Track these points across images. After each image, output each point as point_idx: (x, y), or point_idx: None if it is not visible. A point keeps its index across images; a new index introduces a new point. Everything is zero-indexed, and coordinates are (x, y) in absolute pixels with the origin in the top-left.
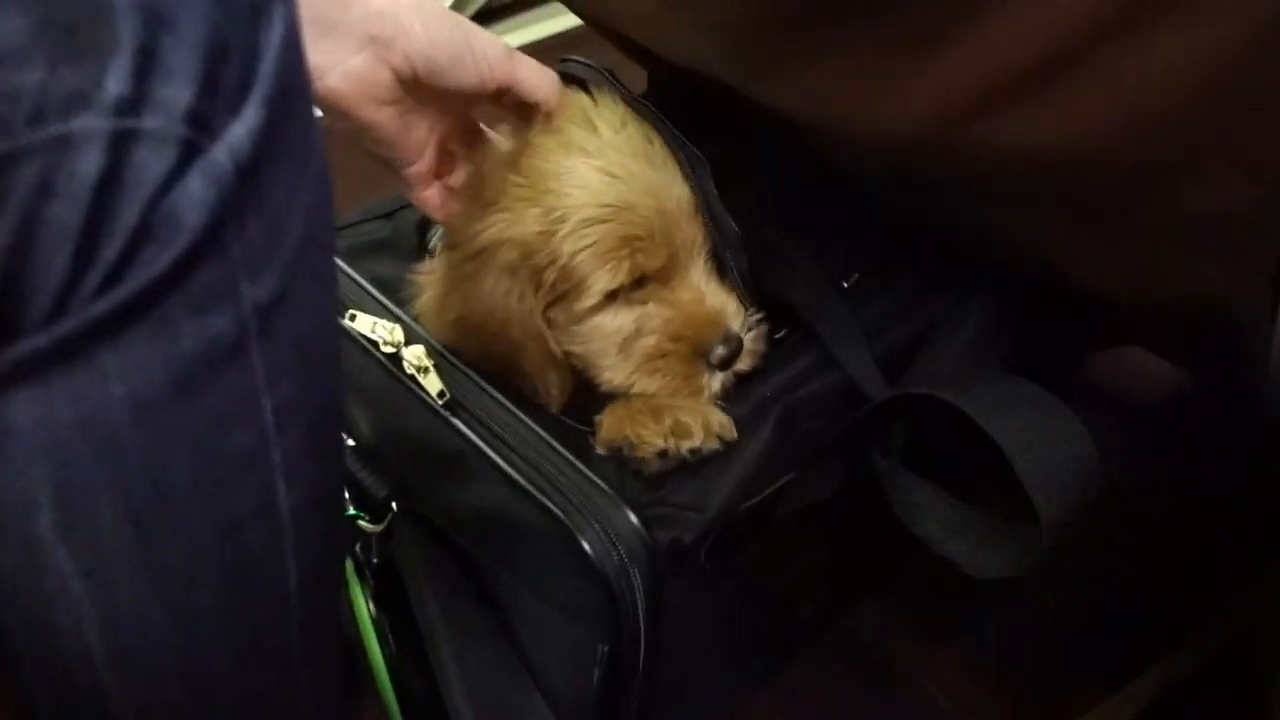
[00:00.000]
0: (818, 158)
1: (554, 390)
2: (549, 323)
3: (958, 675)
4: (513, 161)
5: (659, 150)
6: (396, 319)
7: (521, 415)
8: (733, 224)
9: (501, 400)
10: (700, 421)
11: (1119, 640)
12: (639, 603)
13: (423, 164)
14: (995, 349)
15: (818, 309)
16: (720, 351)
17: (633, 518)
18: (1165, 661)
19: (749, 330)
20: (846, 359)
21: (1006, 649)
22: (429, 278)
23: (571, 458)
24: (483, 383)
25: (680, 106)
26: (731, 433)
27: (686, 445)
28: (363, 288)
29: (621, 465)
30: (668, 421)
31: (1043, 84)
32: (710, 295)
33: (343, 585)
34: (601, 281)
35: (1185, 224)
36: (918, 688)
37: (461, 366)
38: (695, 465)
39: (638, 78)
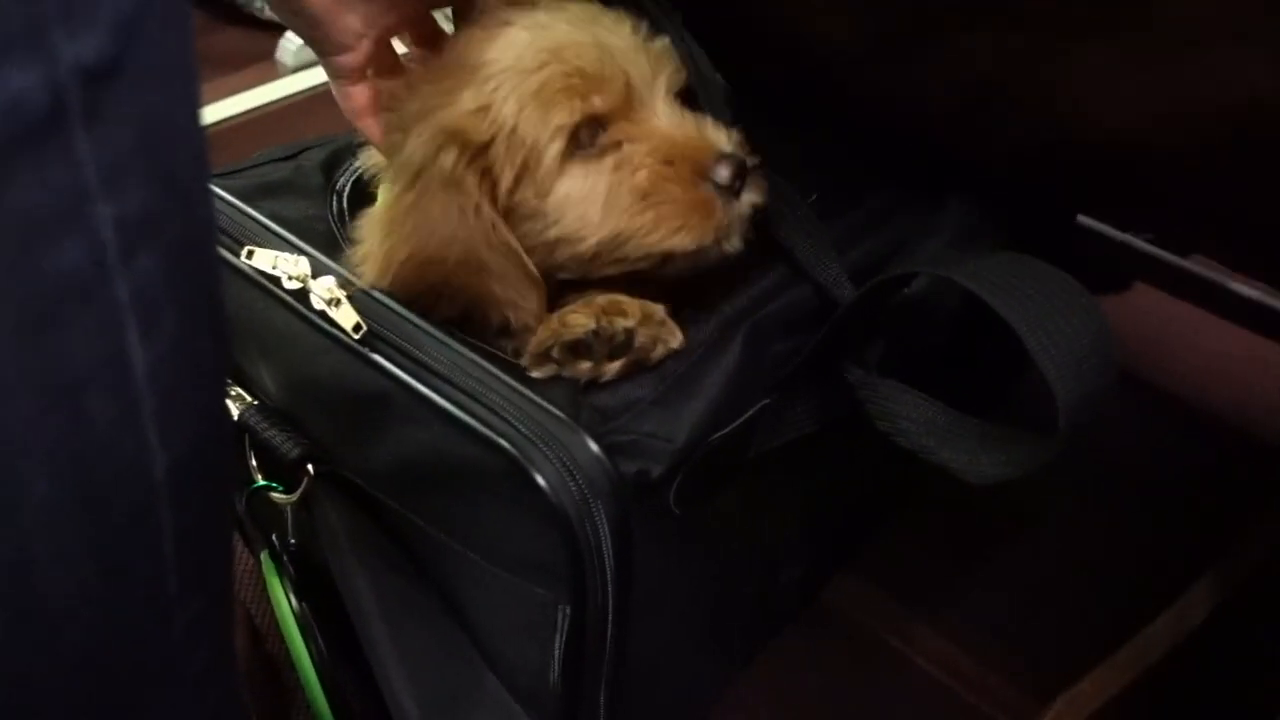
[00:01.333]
0: (791, 41)
1: (532, 310)
2: (513, 225)
3: (948, 647)
4: (437, 63)
5: (610, 13)
6: (301, 252)
7: (452, 342)
8: (718, 76)
9: (426, 328)
10: (637, 305)
11: (1110, 605)
12: (604, 549)
13: (355, 55)
14: (976, 252)
15: (784, 220)
16: (723, 171)
17: (592, 445)
18: (1157, 625)
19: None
20: (817, 270)
21: (996, 618)
22: (365, 224)
23: (515, 383)
24: (403, 310)
25: None
26: (674, 333)
27: (620, 323)
28: (261, 224)
29: (575, 394)
30: (600, 302)
31: None
32: (690, 121)
33: (234, 504)
34: (553, 128)
35: (1239, 8)
36: (908, 662)
37: (379, 296)
38: (658, 392)
39: None
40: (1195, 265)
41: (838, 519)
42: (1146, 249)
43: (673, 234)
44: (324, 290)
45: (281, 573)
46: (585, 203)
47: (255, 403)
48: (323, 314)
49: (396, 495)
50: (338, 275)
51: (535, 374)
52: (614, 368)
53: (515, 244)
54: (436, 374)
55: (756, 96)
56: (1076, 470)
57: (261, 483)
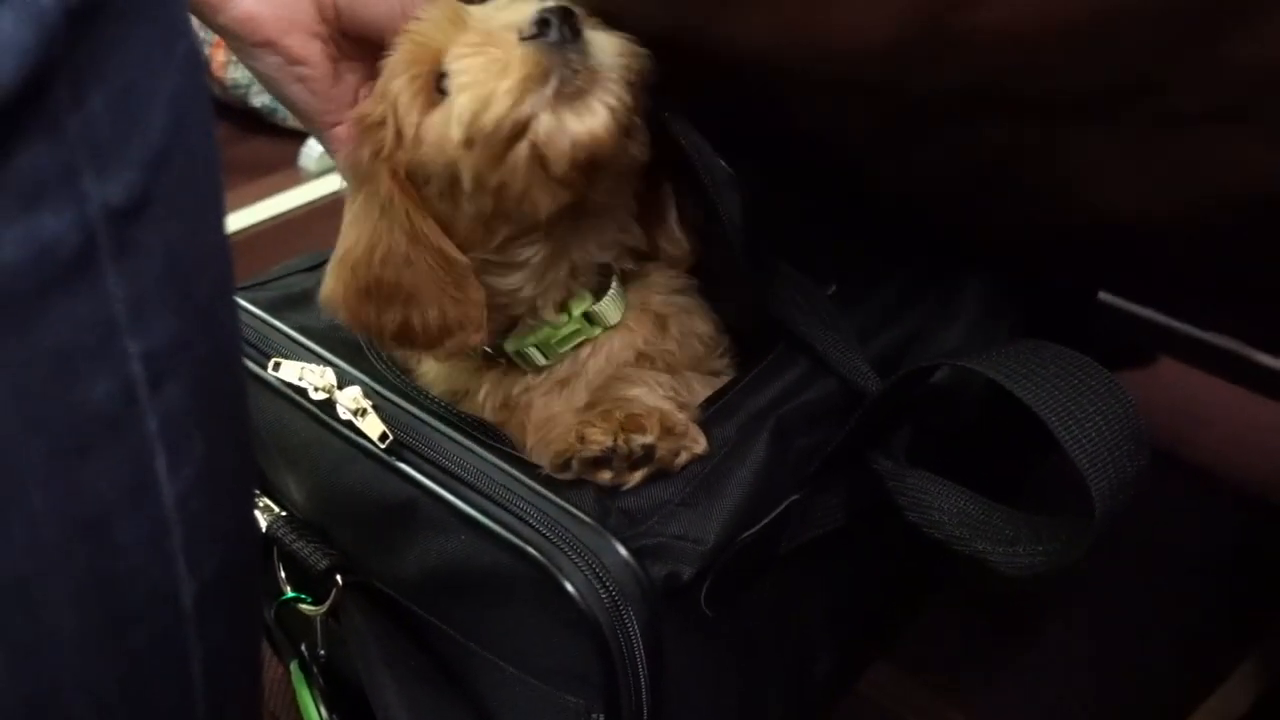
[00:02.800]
0: (794, 131)
1: (465, 300)
2: (428, 209)
3: None
4: None
5: None
6: (326, 363)
7: (477, 449)
8: (720, 161)
9: (453, 435)
10: (657, 418)
11: (1149, 691)
12: (636, 655)
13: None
14: (994, 335)
15: (804, 313)
16: (543, 13)
17: (621, 550)
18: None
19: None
20: (839, 361)
21: (1029, 706)
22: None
23: (541, 488)
24: (429, 418)
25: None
26: (698, 440)
27: (638, 440)
28: (287, 335)
29: (602, 497)
30: (618, 416)
31: None
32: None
33: (262, 622)
34: (406, 80)
35: (1236, 88)
36: None
37: (404, 404)
38: (685, 493)
39: None
40: (1219, 338)
41: (869, 609)
42: (1169, 323)
43: (508, 92)
44: (350, 400)
45: (311, 683)
46: (446, 127)
47: (283, 514)
48: (349, 424)
49: (425, 604)
50: (363, 385)
51: (550, 473)
52: (636, 476)
53: (433, 228)
54: (463, 481)
55: (768, 185)
56: (1108, 550)
57: (290, 594)
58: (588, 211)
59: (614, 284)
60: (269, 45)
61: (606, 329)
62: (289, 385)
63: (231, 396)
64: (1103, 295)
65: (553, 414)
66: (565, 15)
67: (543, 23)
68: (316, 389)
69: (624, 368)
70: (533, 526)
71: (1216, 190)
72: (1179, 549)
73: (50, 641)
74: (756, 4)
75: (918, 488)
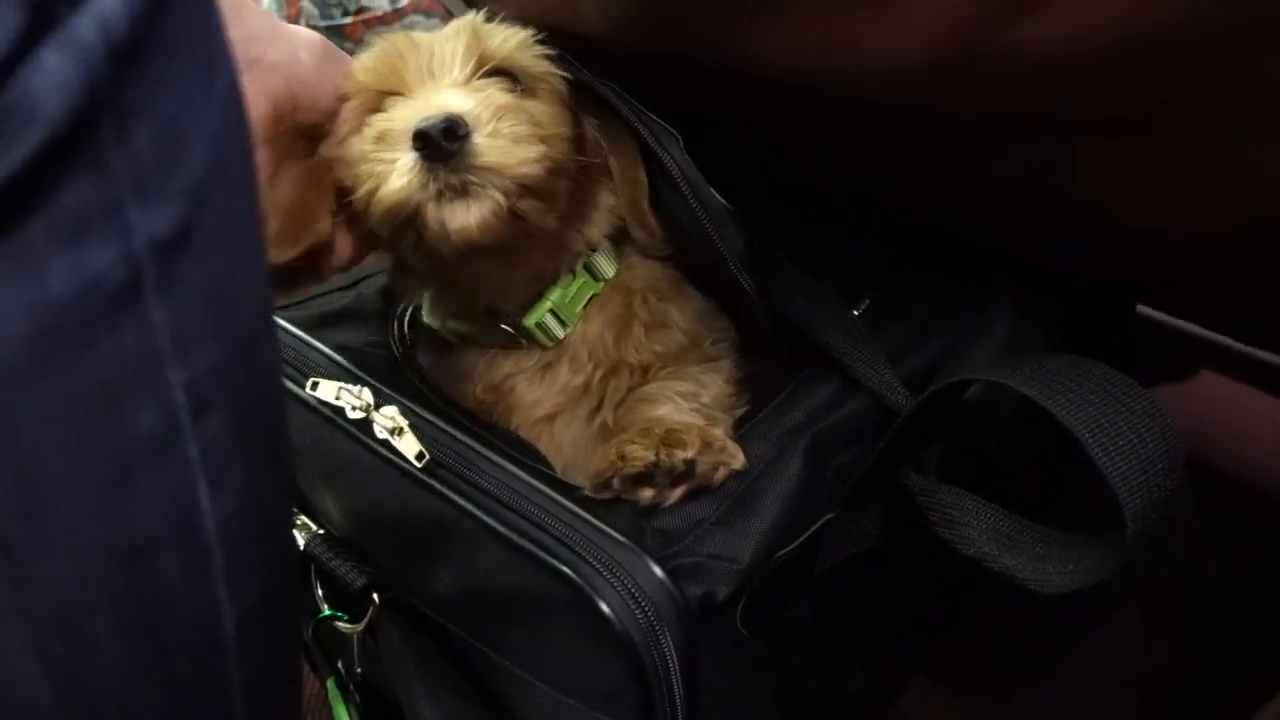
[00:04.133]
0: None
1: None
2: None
3: None
4: None
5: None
6: (363, 382)
7: (514, 469)
8: (719, 198)
9: (489, 455)
10: (696, 433)
11: (1189, 710)
12: (672, 675)
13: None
14: (1029, 347)
15: (834, 331)
16: (420, 124)
17: (657, 570)
18: None
19: (496, 124)
20: (871, 378)
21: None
22: None
23: (577, 508)
24: (467, 438)
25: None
26: (736, 455)
27: (680, 455)
28: (325, 354)
29: (637, 517)
30: (658, 432)
31: None
32: (446, 94)
33: (301, 646)
34: (346, 112)
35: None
36: None
37: (441, 424)
38: (720, 511)
39: None
40: (1260, 350)
41: (905, 626)
42: (1209, 335)
43: (397, 190)
44: (387, 420)
45: (347, 700)
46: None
47: (320, 532)
48: (386, 443)
49: (462, 622)
50: (400, 404)
51: (590, 493)
52: (677, 493)
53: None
54: (499, 500)
55: (799, 202)
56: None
57: (327, 612)
58: (513, 246)
59: (604, 241)
60: None
61: (606, 281)
62: (327, 405)
63: (271, 425)
64: (1140, 308)
65: (537, 398)
66: (447, 132)
67: (422, 138)
68: (354, 408)
69: (643, 389)
70: (568, 547)
71: (1256, 205)
72: (1221, 563)
73: (96, 671)
74: (784, 22)
75: (948, 503)
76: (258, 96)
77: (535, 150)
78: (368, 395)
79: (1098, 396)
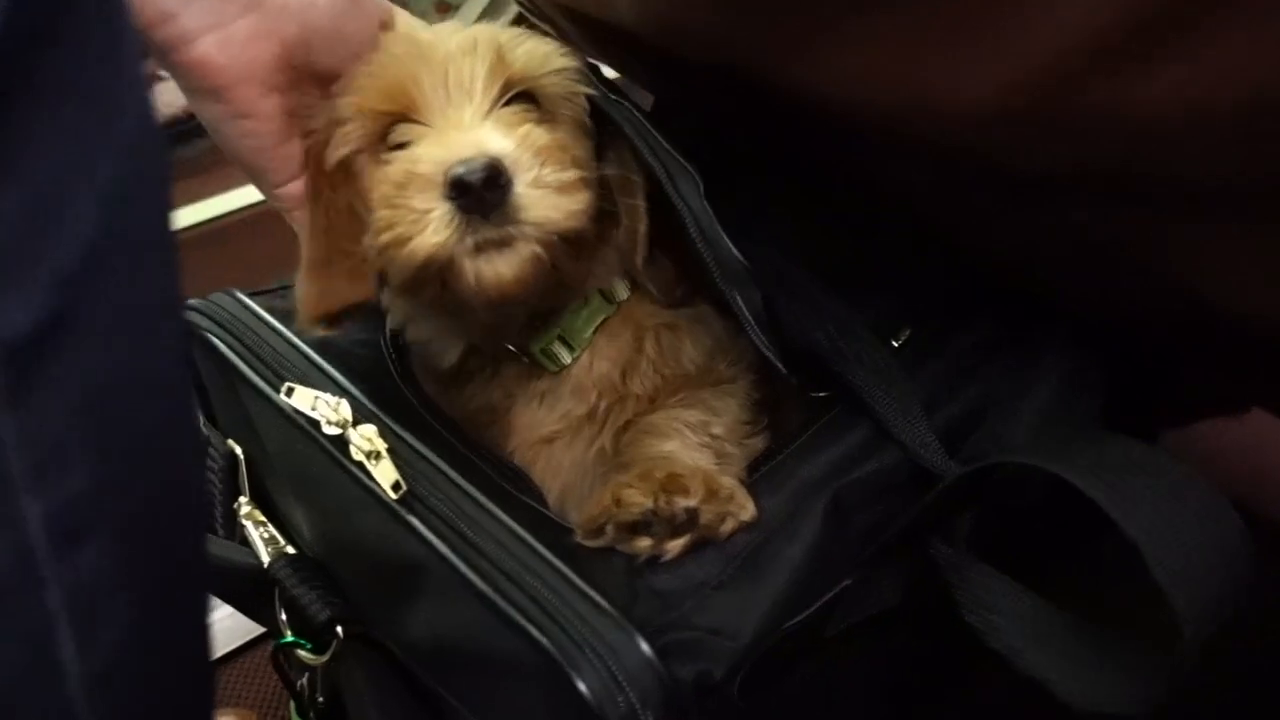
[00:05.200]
0: (865, 178)
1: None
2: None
3: None
4: None
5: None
6: (343, 392)
7: (497, 512)
8: (735, 253)
9: (473, 493)
10: (701, 479)
11: None
12: None
13: (298, 185)
14: (1077, 414)
15: (866, 371)
16: (458, 171)
17: (645, 647)
18: None
19: (539, 171)
20: (904, 432)
21: None
22: None
23: (563, 566)
24: (450, 469)
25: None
26: (745, 506)
27: (681, 503)
28: (305, 355)
29: (631, 574)
30: (658, 476)
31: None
32: (478, 129)
33: None
34: (348, 132)
35: None
36: None
37: (424, 449)
38: (725, 573)
39: None
40: None
41: (919, 685)
42: None
43: (398, 243)
44: (364, 441)
45: None
46: (374, 195)
47: (289, 551)
48: (361, 465)
49: (429, 669)
50: (380, 423)
51: (582, 540)
52: (677, 545)
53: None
54: (476, 549)
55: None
56: None
57: (289, 638)
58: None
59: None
60: (217, 94)
61: (620, 304)
62: (302, 414)
63: (179, 544)
64: None
65: (537, 421)
66: (488, 181)
67: (460, 186)
68: (330, 423)
69: (649, 418)
70: (548, 613)
71: None
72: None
73: None
74: (843, 48)
75: (979, 584)
76: (265, 38)
77: (581, 199)
78: (345, 410)
79: (1155, 495)
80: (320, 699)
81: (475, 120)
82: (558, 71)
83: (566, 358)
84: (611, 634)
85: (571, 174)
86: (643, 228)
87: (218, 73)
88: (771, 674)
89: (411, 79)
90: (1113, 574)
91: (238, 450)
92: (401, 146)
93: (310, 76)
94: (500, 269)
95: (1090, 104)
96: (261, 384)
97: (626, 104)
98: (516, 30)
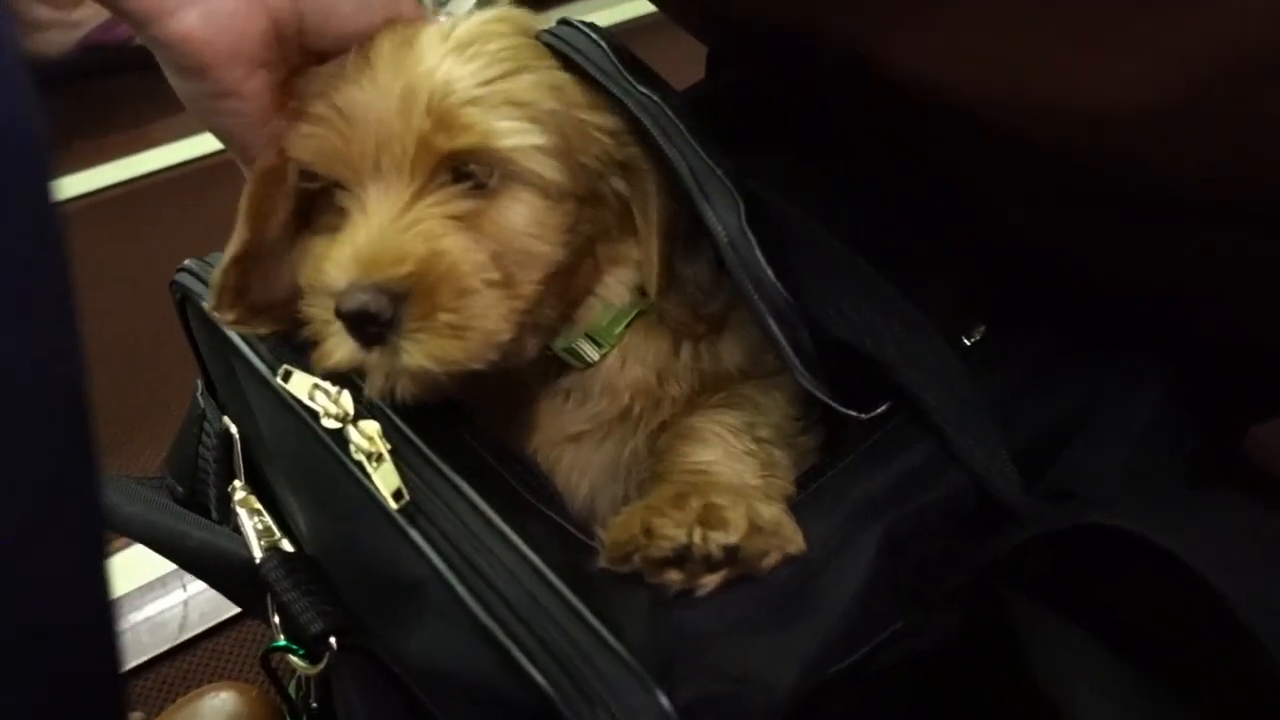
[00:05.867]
0: (952, 169)
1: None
2: None
3: None
4: None
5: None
6: (345, 381)
7: (508, 533)
8: (778, 285)
9: (481, 508)
10: (743, 511)
11: None
12: None
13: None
14: (1176, 442)
15: (935, 386)
16: (339, 307)
17: (665, 703)
18: None
19: (428, 308)
20: (978, 460)
21: None
22: None
23: (577, 602)
24: (458, 479)
25: (745, 100)
26: (792, 538)
27: (718, 540)
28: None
29: (656, 607)
30: (694, 505)
31: None
32: (384, 224)
33: None
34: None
35: None
36: None
37: (432, 454)
38: (763, 612)
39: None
40: None
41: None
42: None
43: (314, 338)
44: (365, 440)
45: None
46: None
47: (281, 548)
48: (361, 466)
49: (426, 692)
50: (386, 419)
51: (604, 565)
52: (712, 581)
53: None
54: (481, 575)
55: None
56: None
57: (281, 643)
58: None
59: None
60: (199, 72)
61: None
62: (300, 402)
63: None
64: None
65: (563, 421)
66: (366, 318)
67: (343, 319)
68: (329, 415)
69: (688, 420)
70: (554, 655)
71: None
72: None
73: None
74: (959, 32)
75: (1060, 642)
76: (252, 12)
77: (484, 332)
78: (347, 401)
79: (1269, 568)
80: (314, 704)
81: (395, 205)
82: (519, 128)
83: (594, 355)
84: (626, 686)
85: (477, 304)
86: (655, 259)
87: (200, 49)
88: (802, 717)
89: (342, 142)
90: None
91: (234, 430)
92: (342, 216)
93: (302, 51)
94: (408, 391)
95: (1265, 113)
96: (257, 363)
97: (655, 100)
98: (495, 53)
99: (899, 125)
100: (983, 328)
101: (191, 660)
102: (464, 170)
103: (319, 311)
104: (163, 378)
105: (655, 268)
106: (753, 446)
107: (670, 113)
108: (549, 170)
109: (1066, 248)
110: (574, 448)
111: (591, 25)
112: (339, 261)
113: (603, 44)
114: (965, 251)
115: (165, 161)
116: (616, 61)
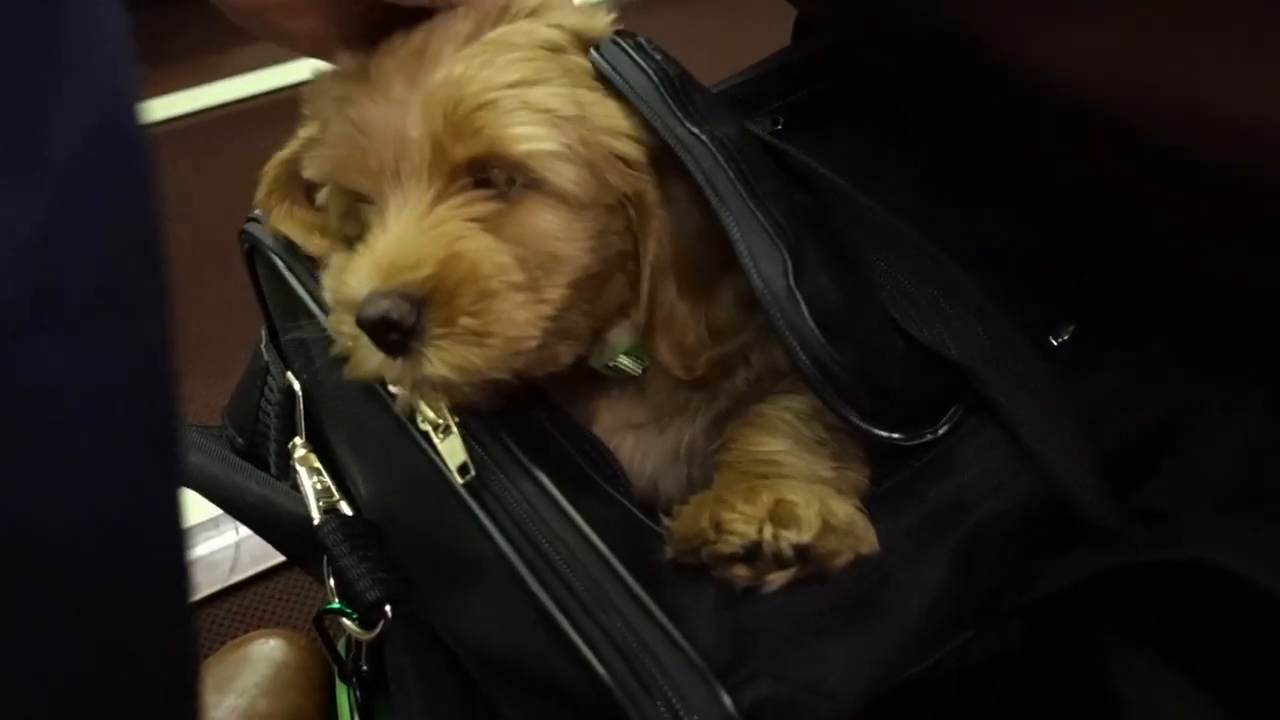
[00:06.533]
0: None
1: None
2: None
3: None
4: None
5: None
6: None
7: (574, 516)
8: (828, 347)
9: (549, 489)
10: (816, 509)
11: None
12: None
13: None
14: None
15: (1010, 379)
16: (360, 316)
17: (728, 702)
18: None
19: (449, 314)
20: (1059, 465)
21: None
22: None
23: (641, 592)
24: (527, 460)
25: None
26: (865, 538)
27: (789, 539)
28: None
29: (722, 605)
30: (766, 500)
31: None
32: (403, 230)
33: None
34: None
35: None
36: None
37: (502, 433)
38: (831, 616)
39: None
40: None
41: None
42: None
43: (342, 354)
44: (431, 409)
45: (350, 693)
46: None
47: (339, 510)
48: (427, 436)
49: (478, 667)
50: None
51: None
52: (780, 578)
53: None
54: (546, 559)
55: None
56: None
57: (336, 605)
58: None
59: None
60: (249, 19)
61: None
62: None
63: None
64: None
65: (621, 412)
66: (388, 326)
67: (366, 328)
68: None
69: (757, 406)
70: (617, 646)
71: None
72: None
73: None
74: (1123, 23)
75: (1149, 680)
76: None
77: (509, 337)
78: None
79: None
80: (365, 667)
81: (415, 210)
82: (529, 154)
83: (638, 369)
84: (689, 683)
85: (501, 306)
86: (644, 299)
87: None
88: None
89: (360, 153)
90: None
91: (296, 386)
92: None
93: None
94: (439, 399)
95: None
96: (325, 321)
97: (703, 140)
98: (512, 60)
99: (1006, 116)
100: (1071, 328)
101: (241, 603)
102: (483, 177)
103: (344, 325)
104: (223, 315)
105: (643, 308)
106: (824, 434)
107: (719, 156)
108: (567, 177)
109: (1182, 247)
110: (635, 434)
111: (644, 45)
112: (359, 271)
113: (649, 71)
114: (1060, 247)
115: (232, 94)
116: (665, 92)
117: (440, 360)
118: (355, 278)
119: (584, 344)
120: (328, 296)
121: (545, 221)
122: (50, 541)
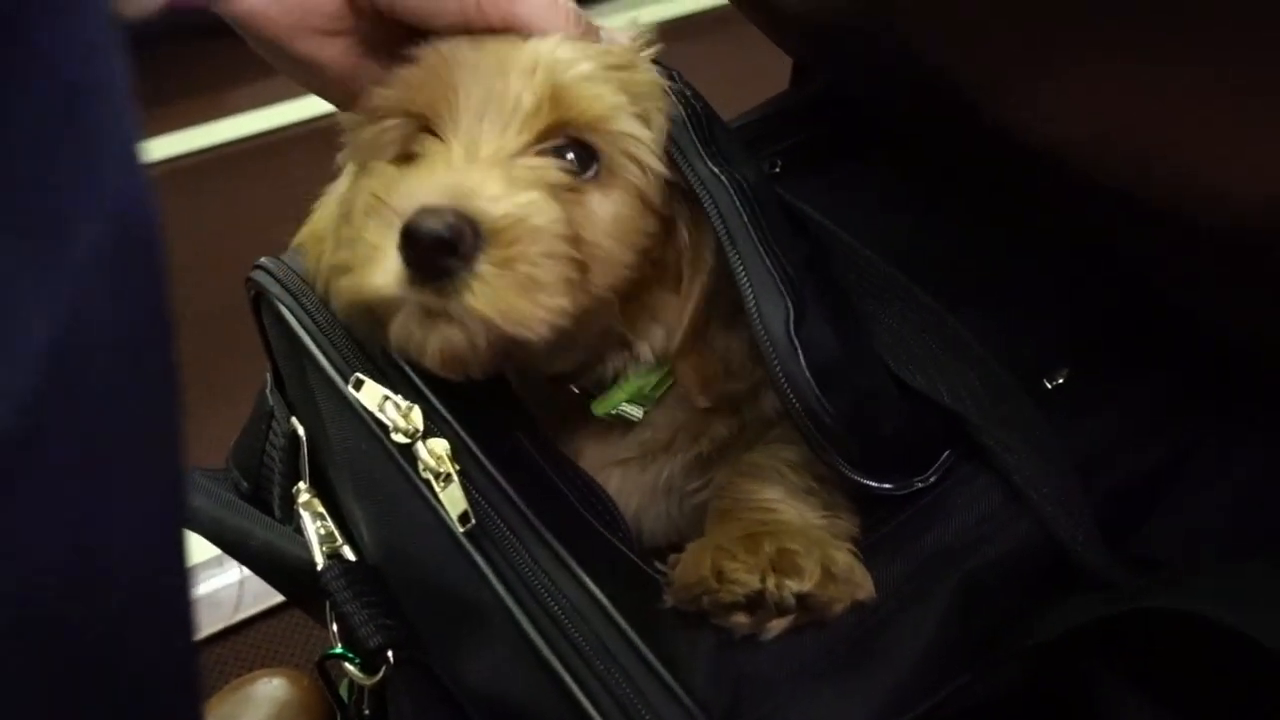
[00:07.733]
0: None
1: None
2: None
3: None
4: None
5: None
6: (418, 395)
7: (574, 567)
8: (823, 401)
9: (549, 540)
10: (816, 557)
11: None
12: None
13: None
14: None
15: (1003, 426)
16: (415, 219)
17: None
18: None
19: (513, 254)
20: (1051, 510)
21: None
22: None
23: (642, 645)
24: (527, 509)
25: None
26: (863, 584)
27: (791, 588)
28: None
29: (721, 650)
30: (768, 549)
31: None
32: (483, 169)
33: None
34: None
35: None
36: None
37: (501, 479)
38: (828, 661)
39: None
40: None
41: None
42: None
43: (343, 269)
44: (433, 459)
45: None
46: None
47: (342, 555)
48: (429, 484)
49: (479, 712)
50: (455, 440)
51: (670, 602)
52: (779, 625)
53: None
54: (546, 610)
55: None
56: None
57: (339, 650)
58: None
59: None
60: (272, 46)
61: None
62: (368, 412)
63: None
64: None
65: (609, 453)
66: (442, 244)
67: (410, 239)
68: (397, 430)
69: (749, 456)
70: (617, 700)
71: None
72: None
73: None
74: (1099, 89)
75: None
76: None
77: (550, 305)
78: (417, 418)
79: None
80: (367, 711)
81: (497, 154)
82: (628, 119)
83: (638, 414)
84: None
85: (555, 273)
86: (686, 320)
87: (265, 25)
88: None
89: (449, 89)
90: None
91: (300, 431)
92: (412, 158)
93: (381, 18)
94: (439, 344)
95: None
96: (329, 368)
97: (722, 180)
98: (615, 60)
99: (1003, 167)
100: (1066, 371)
101: (245, 642)
102: (565, 150)
103: (373, 234)
104: (227, 353)
105: (685, 328)
106: (813, 484)
107: (736, 198)
108: (651, 168)
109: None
110: (621, 470)
111: (675, 77)
112: (421, 183)
113: (678, 106)
114: (1056, 289)
115: (241, 131)
116: (692, 128)
117: (484, 295)
118: (421, 187)
119: (576, 360)
120: (364, 204)
121: (611, 213)
122: (51, 585)
